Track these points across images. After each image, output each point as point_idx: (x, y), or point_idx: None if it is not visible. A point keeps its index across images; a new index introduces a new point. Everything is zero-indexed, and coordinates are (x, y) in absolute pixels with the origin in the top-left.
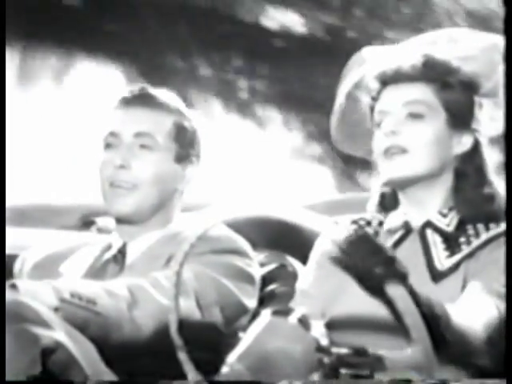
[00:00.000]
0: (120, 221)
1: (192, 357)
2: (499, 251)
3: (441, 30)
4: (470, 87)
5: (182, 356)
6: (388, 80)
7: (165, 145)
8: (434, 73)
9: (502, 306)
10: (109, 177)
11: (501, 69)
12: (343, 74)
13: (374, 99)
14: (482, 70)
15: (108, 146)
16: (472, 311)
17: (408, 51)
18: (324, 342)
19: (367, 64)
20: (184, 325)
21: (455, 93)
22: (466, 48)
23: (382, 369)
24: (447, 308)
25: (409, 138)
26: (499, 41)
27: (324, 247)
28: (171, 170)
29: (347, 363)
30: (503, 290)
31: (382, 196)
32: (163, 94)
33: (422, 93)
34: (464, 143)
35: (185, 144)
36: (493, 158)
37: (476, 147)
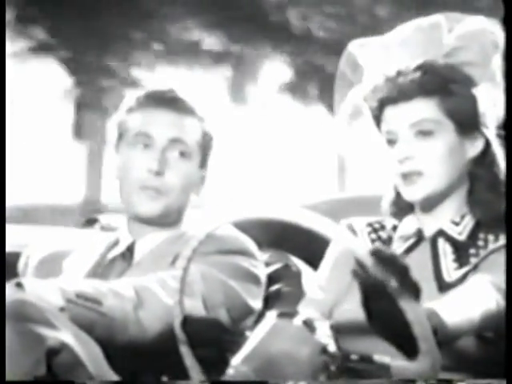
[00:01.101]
0: (142, 221)
1: (195, 353)
2: (503, 257)
3: (427, 16)
4: (469, 83)
5: (184, 350)
6: (387, 101)
7: (195, 152)
8: (433, 85)
9: (502, 302)
10: (140, 180)
11: (496, 54)
12: (337, 73)
13: (377, 117)
14: (475, 59)
15: (139, 146)
16: (473, 298)
17: (398, 54)
18: (332, 348)
19: (364, 79)
20: (188, 320)
21: (457, 98)
22: (455, 37)
23: (388, 376)
24: (440, 315)
25: (423, 158)
26: (488, 24)
27: (341, 249)
28: (196, 177)
29: (353, 369)
30: (504, 287)
31: (398, 194)
32: (189, 97)
33: (425, 110)
34: (476, 145)
35: (207, 150)
36: (501, 151)
37: (487, 147)
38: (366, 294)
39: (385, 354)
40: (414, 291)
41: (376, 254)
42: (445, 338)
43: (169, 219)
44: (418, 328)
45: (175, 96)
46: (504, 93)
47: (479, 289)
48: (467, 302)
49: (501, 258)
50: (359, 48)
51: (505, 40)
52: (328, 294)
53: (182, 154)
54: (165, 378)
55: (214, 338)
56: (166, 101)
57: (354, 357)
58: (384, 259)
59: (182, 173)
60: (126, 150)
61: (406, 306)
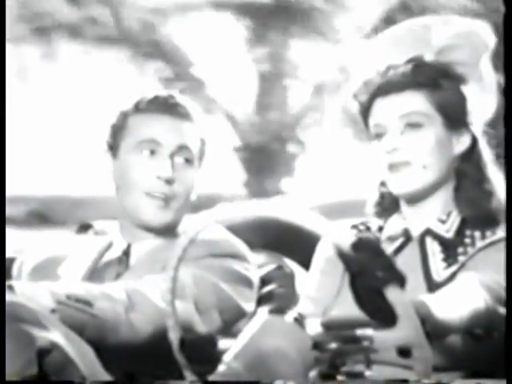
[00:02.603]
0: (144, 228)
1: (194, 370)
2: (493, 254)
3: (418, 17)
4: (459, 80)
5: (189, 375)
6: (377, 93)
7: (196, 159)
8: (424, 78)
9: (490, 301)
10: (146, 186)
11: (484, 55)
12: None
13: (366, 111)
14: (464, 59)
15: (145, 152)
16: (461, 297)
17: (389, 54)
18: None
19: (353, 74)
20: (185, 343)
21: (446, 93)
22: (445, 37)
23: (374, 351)
24: (429, 306)
25: (411, 149)
26: (478, 25)
27: (327, 253)
28: (195, 182)
29: (342, 353)
30: (495, 286)
31: (382, 196)
32: (188, 103)
33: (414, 102)
34: (463, 141)
35: (203, 156)
36: (488, 149)
37: (474, 144)
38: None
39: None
40: (400, 280)
41: (360, 244)
42: (433, 329)
43: (174, 228)
44: (390, 294)
45: (176, 102)
46: (504, 93)
47: (467, 287)
48: (456, 300)
49: (488, 256)
50: (349, 49)
51: (504, 40)
52: (319, 304)
53: (187, 161)
54: (157, 380)
55: (211, 355)
56: (167, 107)
57: (339, 343)
58: (368, 249)
59: (187, 180)
60: (127, 156)
61: (390, 292)
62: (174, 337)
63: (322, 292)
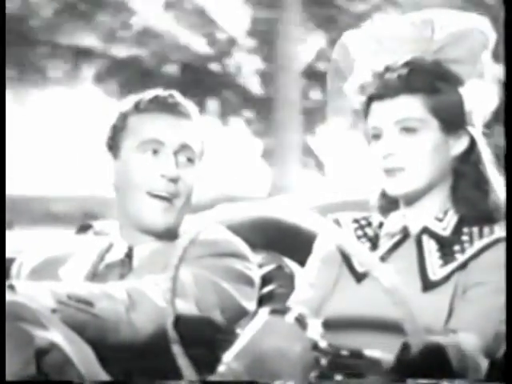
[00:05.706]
0: (147, 232)
1: (187, 352)
2: (496, 255)
3: (420, 11)
4: (456, 82)
5: (176, 349)
6: (373, 95)
7: (197, 158)
8: (419, 83)
9: (484, 331)
10: (150, 185)
11: (485, 51)
12: (330, 63)
13: (365, 112)
14: (464, 56)
15: (148, 152)
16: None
17: (389, 47)
18: (322, 344)
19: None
20: (180, 320)
21: (443, 96)
22: (445, 34)
23: (379, 372)
24: None
25: (406, 155)
26: (478, 21)
27: (327, 244)
28: (196, 182)
29: (344, 365)
30: (489, 324)
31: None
32: (188, 103)
33: (409, 107)
34: (460, 143)
35: (202, 155)
36: (487, 149)
37: (472, 144)
38: None
39: (375, 349)
40: None
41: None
42: None
43: (175, 230)
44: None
45: (176, 101)
46: (504, 93)
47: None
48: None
49: (491, 258)
50: (352, 39)
51: (505, 40)
52: (317, 291)
53: (189, 160)
54: (157, 380)
55: (206, 337)
56: (168, 106)
57: (344, 352)
58: (432, 352)
59: (189, 180)
60: (129, 156)
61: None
62: (169, 312)
63: (320, 280)
